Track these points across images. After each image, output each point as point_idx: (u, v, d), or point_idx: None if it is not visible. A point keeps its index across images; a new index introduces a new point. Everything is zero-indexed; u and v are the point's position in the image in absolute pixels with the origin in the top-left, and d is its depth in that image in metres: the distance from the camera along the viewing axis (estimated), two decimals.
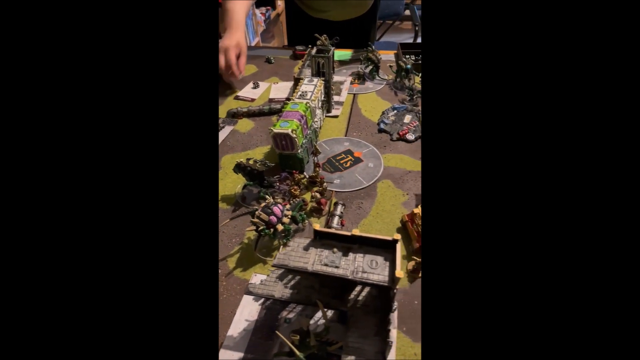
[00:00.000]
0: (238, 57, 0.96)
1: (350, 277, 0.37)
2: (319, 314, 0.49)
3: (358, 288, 0.45)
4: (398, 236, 0.38)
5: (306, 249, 0.40)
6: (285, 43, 1.76)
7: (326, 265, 0.39)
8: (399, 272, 0.35)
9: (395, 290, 0.37)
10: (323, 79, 0.83)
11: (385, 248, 0.40)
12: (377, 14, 1.31)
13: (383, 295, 0.43)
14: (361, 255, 0.39)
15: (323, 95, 0.84)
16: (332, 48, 0.84)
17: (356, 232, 0.39)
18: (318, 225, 0.41)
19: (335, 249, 0.40)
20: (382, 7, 1.49)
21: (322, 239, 0.41)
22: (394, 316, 0.50)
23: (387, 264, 0.38)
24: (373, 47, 1.00)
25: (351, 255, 0.39)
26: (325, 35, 0.96)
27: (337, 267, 0.38)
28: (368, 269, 0.38)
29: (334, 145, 0.82)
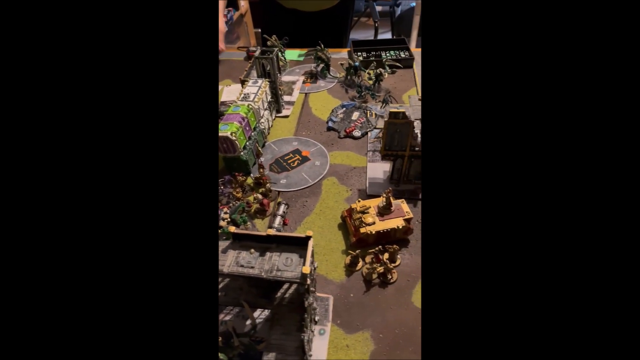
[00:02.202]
0: None
1: (264, 276, 0.38)
2: (256, 313, 0.49)
3: (285, 286, 0.46)
4: (310, 233, 0.39)
5: (224, 251, 0.41)
6: (252, 43, 1.74)
7: (242, 266, 0.39)
8: (305, 268, 0.36)
9: (306, 286, 0.38)
10: (269, 79, 0.84)
11: (301, 245, 0.41)
12: (353, 9, 1.30)
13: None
14: (277, 254, 0.40)
15: (270, 96, 0.85)
16: (277, 49, 0.85)
17: (271, 232, 0.40)
18: (234, 228, 0.41)
19: (252, 250, 0.41)
20: None
21: (240, 241, 0.42)
22: (329, 310, 0.52)
23: (302, 260, 0.39)
24: (322, 45, 1.01)
25: (268, 255, 0.40)
26: (275, 35, 0.97)
27: (252, 267, 0.39)
28: (283, 267, 0.39)
29: (283, 146, 0.82)
